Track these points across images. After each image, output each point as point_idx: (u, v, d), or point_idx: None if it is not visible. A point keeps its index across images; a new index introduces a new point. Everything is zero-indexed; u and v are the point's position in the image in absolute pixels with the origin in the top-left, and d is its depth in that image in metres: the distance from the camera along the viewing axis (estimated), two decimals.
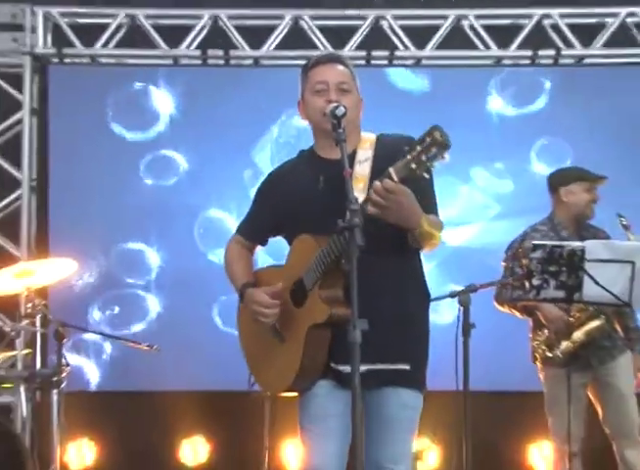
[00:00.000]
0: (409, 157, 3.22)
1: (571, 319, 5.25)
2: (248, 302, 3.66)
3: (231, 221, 6.90)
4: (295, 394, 3.70)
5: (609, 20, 7.38)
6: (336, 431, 3.60)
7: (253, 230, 3.91)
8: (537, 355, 5.43)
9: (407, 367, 3.60)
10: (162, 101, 7.46)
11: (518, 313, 5.46)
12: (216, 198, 7.39)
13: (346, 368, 3.20)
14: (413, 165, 3.21)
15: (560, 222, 5.50)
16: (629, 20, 7.39)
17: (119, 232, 7.43)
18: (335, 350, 3.51)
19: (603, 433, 5.49)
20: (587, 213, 5.48)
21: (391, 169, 3.24)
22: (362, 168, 3.59)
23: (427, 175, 3.24)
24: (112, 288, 7.41)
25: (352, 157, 3.57)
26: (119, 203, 7.40)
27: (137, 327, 7.28)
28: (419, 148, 3.20)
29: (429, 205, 3.55)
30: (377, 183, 3.25)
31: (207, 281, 6.90)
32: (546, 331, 5.37)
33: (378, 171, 3.47)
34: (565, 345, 5.25)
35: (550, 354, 5.35)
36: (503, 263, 5.53)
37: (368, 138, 3.70)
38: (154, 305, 7.41)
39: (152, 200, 7.44)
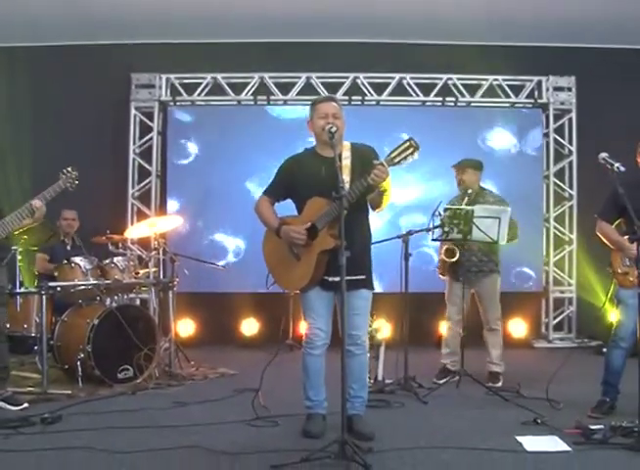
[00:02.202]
0: (394, 154, 3.31)
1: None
2: (286, 233, 3.57)
3: None
4: (298, 291, 3.69)
5: (483, 82, 7.26)
6: (322, 312, 3.63)
7: (274, 193, 3.76)
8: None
9: (364, 277, 3.57)
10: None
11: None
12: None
13: (335, 279, 3.28)
14: (396, 159, 3.30)
15: (464, 193, 5.17)
16: (495, 82, 7.24)
17: (206, 203, 7.21)
18: (327, 269, 3.50)
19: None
20: (459, 189, 5.22)
21: (384, 160, 3.31)
22: (346, 162, 3.53)
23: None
24: (201, 234, 7.23)
25: (340, 155, 3.51)
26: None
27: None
28: (399, 149, 3.30)
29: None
30: (380, 166, 3.27)
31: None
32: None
33: (355, 164, 3.53)
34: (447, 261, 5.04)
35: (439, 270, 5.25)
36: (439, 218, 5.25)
37: (346, 144, 3.63)
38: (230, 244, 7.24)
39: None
